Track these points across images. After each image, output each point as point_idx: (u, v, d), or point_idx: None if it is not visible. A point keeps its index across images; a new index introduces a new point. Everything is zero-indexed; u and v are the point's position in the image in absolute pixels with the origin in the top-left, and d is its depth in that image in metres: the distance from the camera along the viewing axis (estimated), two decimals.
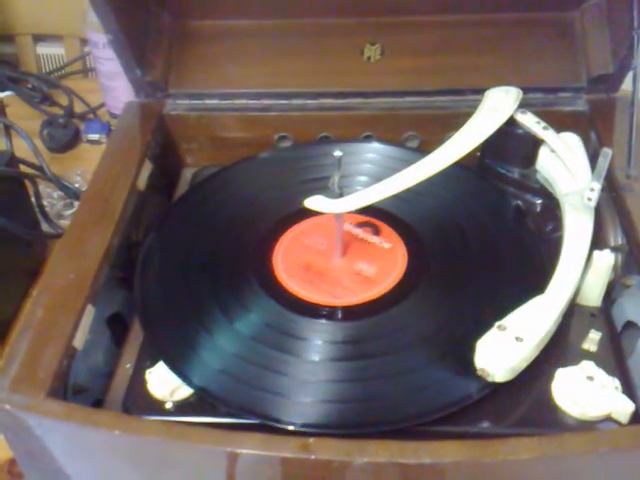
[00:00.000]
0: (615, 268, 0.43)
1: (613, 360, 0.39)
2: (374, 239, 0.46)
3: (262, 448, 0.31)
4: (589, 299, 0.42)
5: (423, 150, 0.52)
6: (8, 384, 0.34)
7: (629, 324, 0.42)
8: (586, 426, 0.36)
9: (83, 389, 0.39)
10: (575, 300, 0.42)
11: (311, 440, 0.31)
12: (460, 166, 0.47)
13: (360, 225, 0.47)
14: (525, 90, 0.50)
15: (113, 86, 0.73)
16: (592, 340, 0.40)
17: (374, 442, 0.31)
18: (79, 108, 0.77)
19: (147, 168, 0.51)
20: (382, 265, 0.44)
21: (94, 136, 0.74)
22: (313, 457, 0.31)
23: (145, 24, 0.55)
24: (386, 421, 0.36)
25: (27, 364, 0.35)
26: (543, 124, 0.48)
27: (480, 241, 0.46)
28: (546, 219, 0.48)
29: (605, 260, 0.41)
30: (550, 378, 0.38)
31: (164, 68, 0.56)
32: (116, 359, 0.41)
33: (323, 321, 0.41)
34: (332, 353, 0.39)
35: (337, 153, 0.42)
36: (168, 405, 0.37)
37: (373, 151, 0.54)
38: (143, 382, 0.38)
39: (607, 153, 0.44)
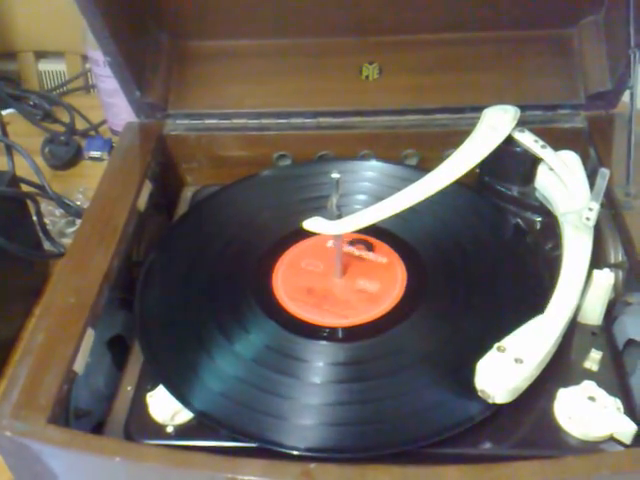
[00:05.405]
0: (616, 285, 0.43)
1: (615, 379, 0.39)
2: (369, 255, 0.46)
3: (263, 474, 0.31)
4: (590, 318, 0.42)
5: (422, 168, 0.53)
6: (9, 410, 0.34)
7: (631, 342, 0.42)
8: (588, 446, 0.36)
9: (85, 413, 0.39)
10: (576, 319, 0.42)
11: (312, 466, 0.31)
12: (459, 184, 0.47)
13: (352, 243, 0.47)
14: (523, 107, 0.50)
15: (114, 103, 0.73)
16: (593, 359, 0.40)
17: (375, 467, 0.31)
18: (81, 125, 0.78)
19: (147, 188, 0.51)
20: (383, 280, 0.44)
21: (96, 153, 0.73)
22: None
23: (144, 45, 0.55)
24: (388, 444, 0.35)
25: (28, 390, 0.35)
26: (541, 142, 0.48)
27: (480, 260, 0.46)
28: (546, 237, 0.48)
29: (605, 279, 0.41)
30: (551, 398, 0.38)
31: (163, 89, 0.56)
32: (117, 381, 0.41)
33: (323, 342, 0.41)
34: (333, 375, 0.39)
35: (335, 175, 0.42)
36: (169, 429, 0.37)
37: (372, 169, 0.54)
38: (144, 406, 0.38)
39: (605, 173, 0.44)
